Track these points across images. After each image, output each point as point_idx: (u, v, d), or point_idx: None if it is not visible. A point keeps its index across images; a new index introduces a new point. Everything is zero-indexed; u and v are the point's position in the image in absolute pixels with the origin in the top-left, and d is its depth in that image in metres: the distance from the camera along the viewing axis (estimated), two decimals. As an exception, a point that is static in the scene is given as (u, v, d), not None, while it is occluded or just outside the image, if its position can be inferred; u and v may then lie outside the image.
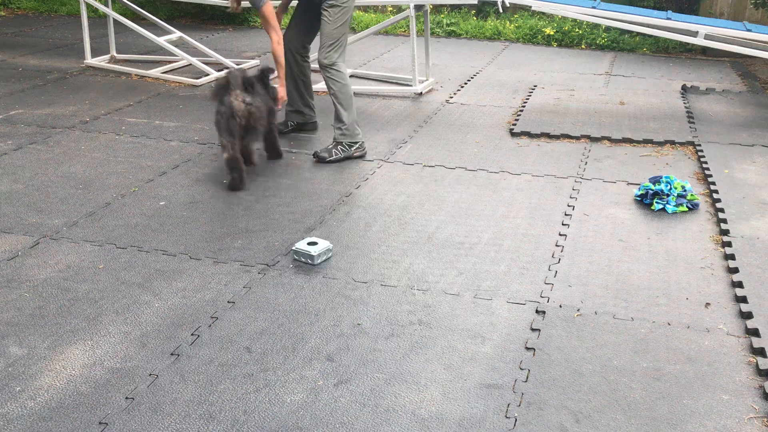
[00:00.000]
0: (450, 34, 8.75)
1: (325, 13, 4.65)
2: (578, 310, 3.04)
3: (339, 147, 4.66)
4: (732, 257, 3.46)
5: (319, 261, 3.38)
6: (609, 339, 2.85)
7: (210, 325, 2.90)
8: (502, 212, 3.96)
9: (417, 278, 3.28)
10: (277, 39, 4.61)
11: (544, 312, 3.02)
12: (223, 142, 4.21)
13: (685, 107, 5.89)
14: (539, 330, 2.90)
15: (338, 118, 4.70)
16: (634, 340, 2.84)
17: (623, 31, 8.07)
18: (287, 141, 5.03)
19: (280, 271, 3.33)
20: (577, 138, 5.16)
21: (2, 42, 8.00)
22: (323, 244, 3.42)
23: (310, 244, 3.41)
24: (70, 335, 2.82)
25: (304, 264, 3.38)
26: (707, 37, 5.67)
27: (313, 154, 4.70)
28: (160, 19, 7.63)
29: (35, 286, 3.18)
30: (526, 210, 3.99)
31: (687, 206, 4.00)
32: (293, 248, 3.41)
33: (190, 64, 6.80)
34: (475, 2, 6.46)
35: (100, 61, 7.03)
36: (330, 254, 3.45)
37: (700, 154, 4.83)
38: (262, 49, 7.87)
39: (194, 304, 3.05)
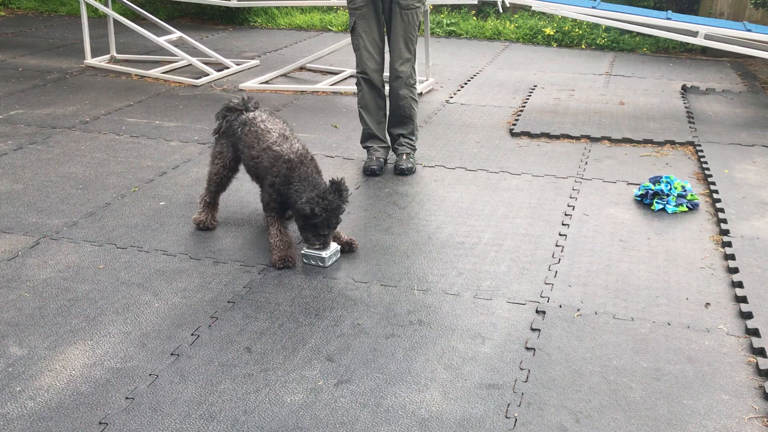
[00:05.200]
0: (450, 34, 8.75)
1: (410, 13, 4.37)
2: (578, 310, 3.04)
3: (413, 156, 4.60)
4: (732, 257, 3.46)
5: (330, 263, 3.37)
6: (609, 339, 2.85)
7: (210, 325, 2.90)
8: (502, 212, 3.96)
9: (417, 278, 3.28)
10: None
11: (544, 312, 3.02)
12: None
13: (685, 107, 5.89)
14: (539, 330, 2.89)
15: (413, 132, 4.61)
16: (634, 340, 2.84)
17: (623, 31, 8.06)
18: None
19: (280, 271, 3.33)
20: (577, 138, 5.15)
21: (2, 42, 8.00)
22: (332, 246, 3.41)
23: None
24: (70, 335, 2.82)
25: (307, 265, 3.38)
26: (707, 37, 5.67)
27: (398, 170, 4.48)
28: (160, 19, 7.64)
29: (35, 286, 3.18)
30: (526, 210, 3.99)
31: (687, 206, 4.00)
32: (302, 251, 3.40)
33: (190, 64, 6.80)
34: (475, 2, 6.47)
35: (100, 61, 7.03)
36: (338, 255, 3.44)
37: (700, 154, 4.83)
38: (262, 49, 7.87)
39: (194, 304, 3.05)
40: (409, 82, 4.46)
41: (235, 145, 3.63)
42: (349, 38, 4.66)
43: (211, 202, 3.74)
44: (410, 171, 4.50)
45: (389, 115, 4.61)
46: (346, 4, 4.50)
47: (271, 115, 3.66)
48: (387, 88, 4.56)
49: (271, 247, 3.41)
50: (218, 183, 3.70)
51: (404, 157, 4.55)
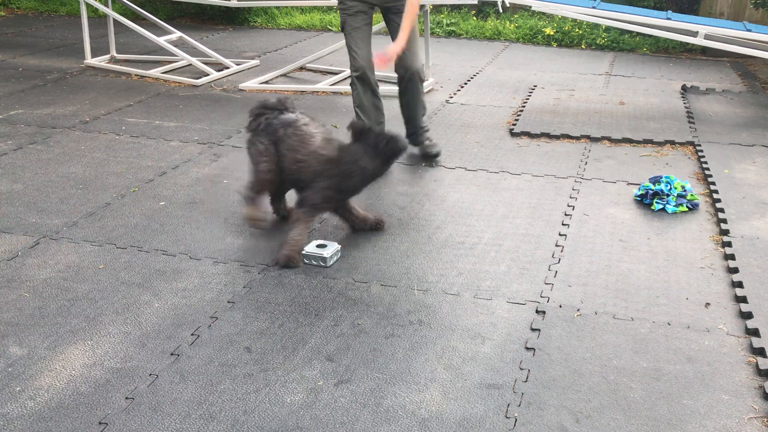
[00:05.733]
0: (450, 34, 8.75)
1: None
2: (578, 310, 3.04)
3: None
4: (732, 257, 3.46)
5: (331, 263, 3.38)
6: (609, 339, 2.85)
7: (210, 325, 2.90)
8: (502, 212, 3.96)
9: (417, 278, 3.28)
10: None
11: (544, 312, 3.02)
12: None
13: (685, 107, 5.89)
14: (539, 330, 2.89)
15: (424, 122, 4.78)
16: (634, 340, 2.84)
17: (623, 31, 8.06)
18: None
19: (280, 271, 3.33)
20: (577, 138, 5.15)
21: (2, 42, 8.00)
22: (332, 246, 3.41)
23: (319, 246, 3.40)
24: (70, 335, 2.82)
25: (306, 265, 3.38)
26: (707, 37, 5.67)
27: (434, 154, 4.69)
28: (160, 19, 7.64)
29: (35, 286, 3.18)
30: (526, 210, 3.99)
31: (687, 206, 4.00)
32: (303, 252, 3.40)
33: (190, 64, 6.80)
34: (475, 2, 6.47)
35: (100, 61, 7.03)
36: (339, 255, 3.44)
37: (700, 154, 4.83)
38: (262, 49, 7.87)
39: (194, 304, 3.05)
40: (422, 78, 4.60)
41: (276, 144, 3.53)
42: None
43: (274, 197, 3.77)
44: (440, 153, 4.73)
45: (408, 111, 4.69)
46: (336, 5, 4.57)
47: (312, 118, 3.63)
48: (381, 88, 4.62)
49: (287, 241, 3.38)
50: (271, 181, 3.58)
51: (427, 142, 4.73)
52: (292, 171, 3.52)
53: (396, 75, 4.59)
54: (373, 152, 3.45)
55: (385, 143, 3.47)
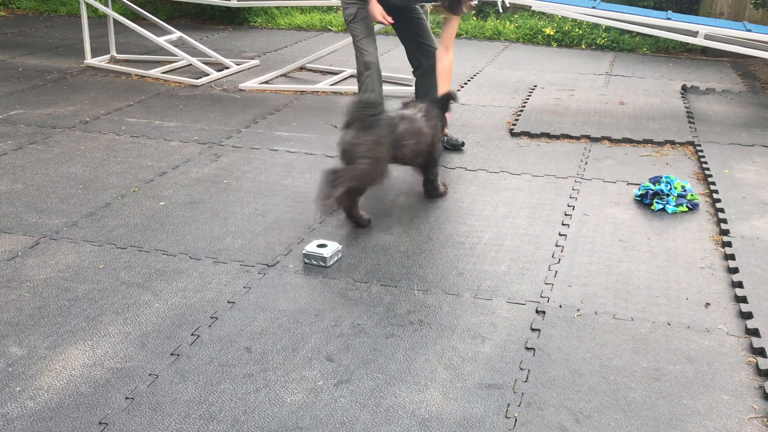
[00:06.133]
0: (450, 34, 8.74)
1: (417, 15, 4.83)
2: (578, 310, 3.04)
3: None
4: (732, 257, 3.46)
5: (331, 263, 3.38)
6: (609, 339, 2.85)
7: (210, 325, 2.90)
8: (502, 212, 3.96)
9: (417, 278, 3.28)
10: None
11: (544, 312, 3.02)
12: None
13: (685, 107, 5.89)
14: (539, 330, 2.90)
15: None
16: (634, 340, 2.84)
17: (623, 31, 8.07)
18: (288, 141, 5.03)
19: (280, 271, 3.33)
20: (577, 138, 5.15)
21: (2, 42, 8.00)
22: (333, 246, 3.41)
23: (319, 246, 3.41)
24: (70, 335, 2.82)
25: (306, 265, 3.38)
26: (707, 37, 5.67)
27: (459, 146, 4.93)
28: (160, 19, 7.64)
29: (35, 286, 3.18)
30: (526, 210, 3.99)
31: (687, 206, 4.00)
32: (303, 251, 3.40)
33: (190, 64, 6.80)
34: (475, 2, 6.47)
35: (100, 61, 7.03)
36: (340, 255, 3.44)
37: (700, 154, 4.83)
38: (262, 49, 7.87)
39: (194, 304, 3.05)
40: None
41: (393, 141, 3.71)
42: (348, 39, 4.75)
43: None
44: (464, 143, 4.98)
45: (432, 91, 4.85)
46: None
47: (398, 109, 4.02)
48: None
49: (441, 190, 4.15)
50: (372, 180, 3.72)
51: (450, 134, 4.90)
52: (424, 152, 3.95)
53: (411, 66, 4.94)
54: (435, 105, 4.14)
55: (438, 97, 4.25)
